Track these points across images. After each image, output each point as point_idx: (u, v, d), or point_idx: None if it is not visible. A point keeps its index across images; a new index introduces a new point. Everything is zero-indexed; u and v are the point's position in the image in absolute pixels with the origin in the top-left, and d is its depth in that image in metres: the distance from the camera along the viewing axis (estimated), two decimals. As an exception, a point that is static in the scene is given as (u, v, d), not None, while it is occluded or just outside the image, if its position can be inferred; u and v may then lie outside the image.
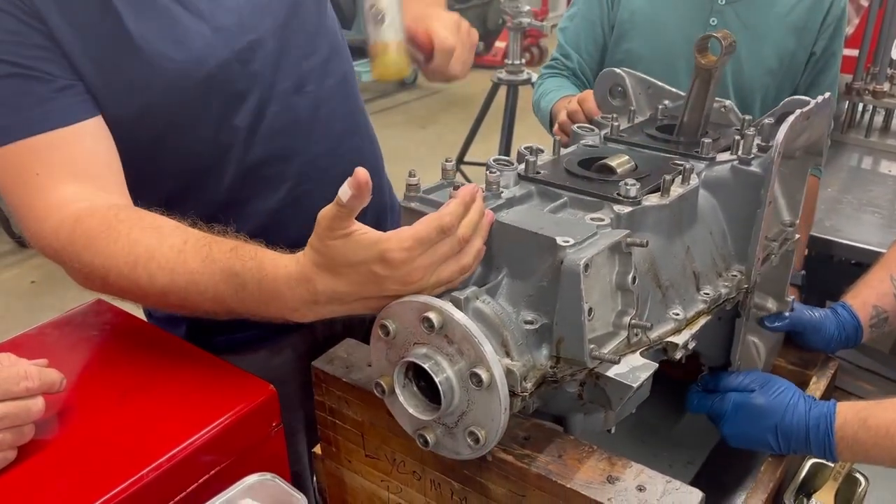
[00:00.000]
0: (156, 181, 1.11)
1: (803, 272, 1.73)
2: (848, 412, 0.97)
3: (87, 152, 0.99)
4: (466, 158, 4.38)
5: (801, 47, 1.67)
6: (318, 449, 1.10)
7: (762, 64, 1.67)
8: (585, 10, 1.79)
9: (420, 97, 6.96)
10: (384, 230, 0.78)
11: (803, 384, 1.16)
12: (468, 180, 4.25)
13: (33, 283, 3.85)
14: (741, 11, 1.66)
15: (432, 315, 0.77)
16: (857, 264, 1.88)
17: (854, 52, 2.50)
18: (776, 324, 1.13)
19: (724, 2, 1.66)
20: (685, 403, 1.11)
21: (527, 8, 4.09)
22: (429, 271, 0.79)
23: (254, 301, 0.86)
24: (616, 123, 1.13)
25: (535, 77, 4.08)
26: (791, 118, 0.93)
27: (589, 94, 1.35)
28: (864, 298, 1.18)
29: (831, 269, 1.95)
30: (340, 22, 1.34)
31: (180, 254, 0.90)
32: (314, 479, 1.26)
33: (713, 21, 1.66)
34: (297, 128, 1.17)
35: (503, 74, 4.13)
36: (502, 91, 4.16)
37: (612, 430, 0.92)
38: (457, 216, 0.79)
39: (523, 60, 4.16)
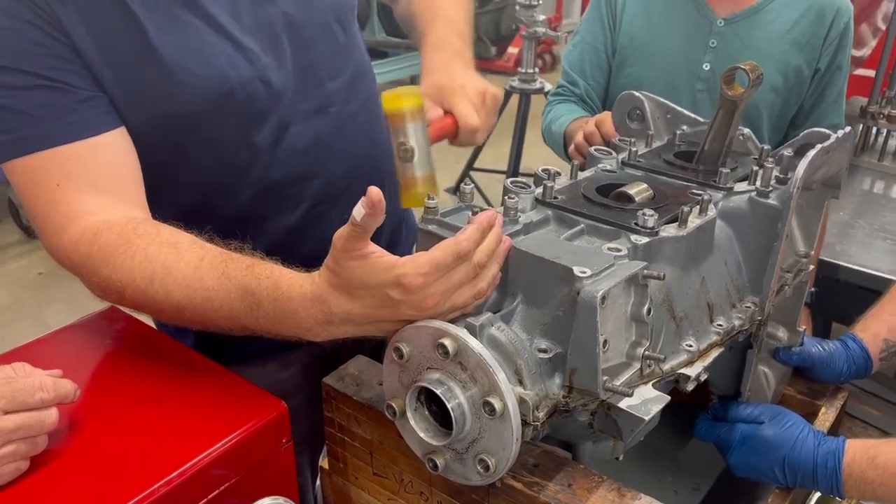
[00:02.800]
0: (174, 195, 1.11)
1: (813, 290, 1.71)
2: (857, 449, 0.96)
3: (108, 164, 0.99)
4: (476, 165, 4.38)
5: (804, 63, 1.64)
6: (325, 464, 1.10)
7: (766, 82, 1.63)
8: (589, 37, 1.78)
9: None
10: (399, 246, 0.77)
11: (812, 414, 1.16)
12: (478, 187, 4.25)
13: (41, 275, 3.86)
14: (741, 31, 1.63)
15: (447, 342, 0.77)
16: (865, 289, 1.87)
17: (870, 73, 2.49)
18: (784, 359, 1.13)
19: (723, 23, 1.63)
20: (693, 429, 1.11)
21: (542, 17, 4.07)
22: (444, 297, 0.79)
23: (268, 319, 0.86)
24: (634, 148, 1.13)
25: (548, 86, 4.08)
26: (811, 153, 0.93)
27: (606, 117, 1.34)
28: (874, 331, 1.18)
29: (838, 293, 1.94)
30: None
31: (196, 270, 0.90)
32: (315, 490, 1.26)
33: (713, 43, 1.63)
34: (318, 148, 1.17)
35: (516, 83, 4.11)
36: (514, 98, 4.16)
37: (621, 458, 0.92)
38: (474, 242, 0.79)
39: (536, 69, 4.15)
